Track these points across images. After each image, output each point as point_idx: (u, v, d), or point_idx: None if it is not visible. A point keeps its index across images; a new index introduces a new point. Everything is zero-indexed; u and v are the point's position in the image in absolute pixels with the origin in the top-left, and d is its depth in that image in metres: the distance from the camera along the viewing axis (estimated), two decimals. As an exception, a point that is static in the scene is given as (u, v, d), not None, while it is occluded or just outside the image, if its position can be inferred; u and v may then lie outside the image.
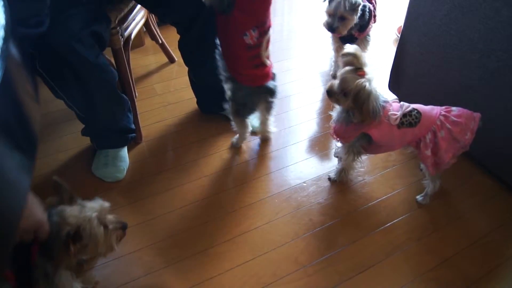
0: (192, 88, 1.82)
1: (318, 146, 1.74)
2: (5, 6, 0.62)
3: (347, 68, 1.24)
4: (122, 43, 1.53)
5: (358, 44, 1.97)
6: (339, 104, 1.31)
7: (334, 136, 1.42)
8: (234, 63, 1.43)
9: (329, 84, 1.29)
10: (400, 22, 1.87)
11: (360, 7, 1.80)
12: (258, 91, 1.51)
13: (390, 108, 1.32)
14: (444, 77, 1.63)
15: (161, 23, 2.23)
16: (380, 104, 1.25)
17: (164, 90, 2.00)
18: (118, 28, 1.48)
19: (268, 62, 1.46)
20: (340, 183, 1.56)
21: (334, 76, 2.05)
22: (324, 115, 1.91)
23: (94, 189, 1.52)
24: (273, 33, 2.53)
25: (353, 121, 1.30)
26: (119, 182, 1.56)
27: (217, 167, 1.62)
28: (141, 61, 2.23)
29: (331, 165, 1.64)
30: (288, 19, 2.81)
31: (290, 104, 1.97)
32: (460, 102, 1.58)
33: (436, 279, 1.28)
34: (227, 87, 1.52)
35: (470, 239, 1.39)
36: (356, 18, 1.80)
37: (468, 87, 1.54)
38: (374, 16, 2.00)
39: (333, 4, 1.76)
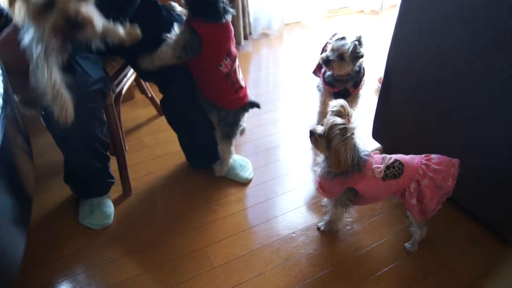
0: (181, 147, 1.85)
1: (306, 196, 1.76)
2: (3, 75, 0.65)
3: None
4: (113, 99, 1.57)
5: (349, 100, 2.06)
6: (317, 148, 1.35)
7: (320, 191, 1.44)
8: (219, 94, 1.54)
9: (314, 127, 1.34)
10: (381, 72, 1.95)
11: (359, 62, 1.91)
12: (244, 108, 1.63)
13: (373, 161, 1.35)
14: (424, 126, 1.69)
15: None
16: (358, 155, 1.30)
17: (153, 143, 2.03)
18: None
19: (243, 83, 1.58)
20: (330, 232, 1.57)
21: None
22: (311, 165, 1.94)
23: (84, 241, 1.50)
24: (259, 85, 2.63)
25: (330, 171, 1.34)
26: (108, 234, 1.55)
27: (205, 220, 1.63)
28: (131, 114, 2.27)
29: (320, 214, 1.65)
30: (273, 71, 2.92)
31: (278, 155, 2.01)
32: (440, 150, 1.64)
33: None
34: (212, 115, 1.63)
35: (462, 285, 1.40)
36: (352, 68, 1.89)
37: (447, 136, 1.60)
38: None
39: (340, 42, 1.87)
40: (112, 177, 1.65)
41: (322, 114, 2.15)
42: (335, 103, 1.31)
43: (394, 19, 1.69)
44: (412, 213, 1.39)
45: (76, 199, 1.65)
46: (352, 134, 1.25)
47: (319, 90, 2.16)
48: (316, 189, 1.47)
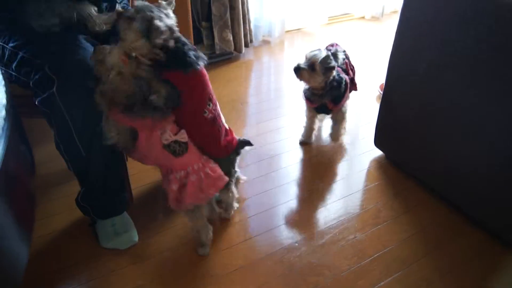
0: None
1: (309, 204, 1.75)
2: (6, 86, 0.64)
3: None
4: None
5: (333, 117, 2.03)
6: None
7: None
8: (209, 143, 1.42)
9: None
10: (382, 79, 1.95)
11: (334, 76, 1.82)
12: (236, 149, 1.52)
13: (165, 127, 1.30)
14: (427, 132, 1.68)
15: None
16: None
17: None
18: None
19: (227, 125, 1.49)
20: (332, 242, 1.56)
21: (302, 143, 2.13)
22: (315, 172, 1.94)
23: (86, 252, 1.50)
24: (260, 93, 2.62)
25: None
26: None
27: (208, 229, 1.61)
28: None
29: (324, 223, 1.64)
30: (275, 79, 2.92)
31: (280, 163, 2.00)
32: (443, 157, 1.64)
33: None
34: None
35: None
36: (323, 81, 1.81)
37: (450, 142, 1.59)
38: (355, 85, 2.05)
39: (314, 52, 1.81)
40: (126, 190, 1.59)
41: (309, 128, 2.10)
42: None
43: (396, 25, 1.69)
44: (168, 196, 1.35)
45: (89, 223, 1.58)
46: None
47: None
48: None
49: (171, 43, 1.25)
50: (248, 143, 1.54)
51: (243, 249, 1.53)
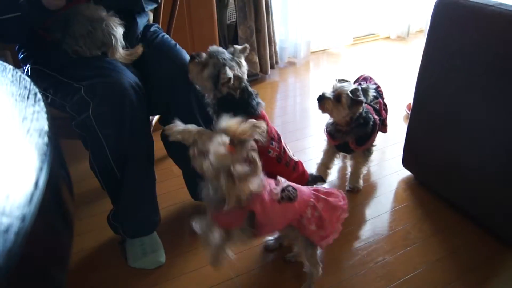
0: (184, 180, 1.81)
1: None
2: (47, 112, 0.68)
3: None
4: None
5: (354, 157, 1.88)
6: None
7: (220, 224, 1.23)
8: None
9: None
10: (409, 99, 1.93)
11: (363, 111, 1.67)
12: (307, 184, 1.50)
13: (267, 184, 1.26)
14: (454, 153, 1.66)
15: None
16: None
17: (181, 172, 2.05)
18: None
19: (296, 158, 1.51)
20: (360, 263, 1.54)
21: (315, 180, 1.65)
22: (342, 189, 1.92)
23: (110, 272, 1.52)
24: (286, 114, 2.64)
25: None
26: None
27: (235, 249, 1.61)
28: (160, 144, 2.30)
29: (352, 245, 1.62)
30: (300, 100, 2.93)
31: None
32: (473, 179, 1.60)
33: None
34: None
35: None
36: (348, 115, 1.66)
37: (480, 162, 1.56)
38: (385, 126, 1.91)
39: (342, 83, 1.68)
40: (157, 211, 1.60)
41: (324, 166, 1.93)
42: (226, 123, 1.09)
43: (421, 45, 1.69)
44: (313, 240, 1.31)
45: (119, 241, 1.62)
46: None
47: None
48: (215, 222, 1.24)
49: (237, 93, 1.28)
50: (320, 178, 1.52)
51: (268, 270, 1.53)
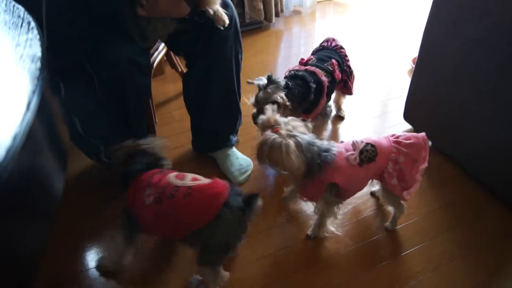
0: (191, 130, 1.83)
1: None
2: (41, 40, 0.67)
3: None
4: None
5: (314, 122, 1.82)
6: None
7: (304, 199, 1.40)
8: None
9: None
10: (415, 52, 1.89)
11: (292, 87, 1.57)
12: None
13: (343, 150, 1.31)
14: (458, 107, 1.64)
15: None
16: (314, 154, 1.21)
17: (182, 117, 2.05)
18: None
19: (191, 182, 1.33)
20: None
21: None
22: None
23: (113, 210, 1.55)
24: (290, 63, 2.60)
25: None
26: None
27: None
28: (161, 89, 2.30)
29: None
30: (305, 50, 2.88)
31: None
32: (474, 133, 1.60)
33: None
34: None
35: (487, 272, 1.37)
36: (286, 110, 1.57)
37: (482, 118, 1.55)
38: (348, 88, 1.90)
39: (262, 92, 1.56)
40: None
41: None
42: (261, 118, 1.27)
43: (430, -3, 1.64)
44: (395, 193, 1.35)
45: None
46: (283, 140, 1.17)
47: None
48: (300, 198, 1.43)
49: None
50: (254, 197, 1.20)
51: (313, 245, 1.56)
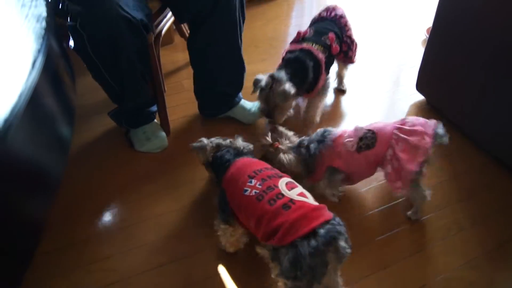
0: (195, 94, 1.85)
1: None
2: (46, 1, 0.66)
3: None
4: (153, 39, 1.58)
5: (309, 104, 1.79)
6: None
7: (310, 181, 1.44)
8: None
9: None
10: (429, 23, 1.84)
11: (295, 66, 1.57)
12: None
13: (345, 135, 1.34)
14: (471, 77, 1.61)
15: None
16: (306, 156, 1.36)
17: (191, 87, 2.02)
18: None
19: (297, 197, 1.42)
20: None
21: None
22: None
23: (122, 179, 1.57)
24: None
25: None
26: (145, 172, 1.62)
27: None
28: (170, 58, 2.28)
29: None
30: (316, 18, 2.82)
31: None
32: (486, 104, 1.57)
33: (459, 278, 1.28)
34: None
35: (495, 242, 1.38)
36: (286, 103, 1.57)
37: (495, 87, 1.52)
38: (349, 58, 1.85)
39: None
40: (154, 104, 1.73)
41: None
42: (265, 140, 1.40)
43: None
44: (388, 181, 1.35)
45: (124, 132, 1.74)
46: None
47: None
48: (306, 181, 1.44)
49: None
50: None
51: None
